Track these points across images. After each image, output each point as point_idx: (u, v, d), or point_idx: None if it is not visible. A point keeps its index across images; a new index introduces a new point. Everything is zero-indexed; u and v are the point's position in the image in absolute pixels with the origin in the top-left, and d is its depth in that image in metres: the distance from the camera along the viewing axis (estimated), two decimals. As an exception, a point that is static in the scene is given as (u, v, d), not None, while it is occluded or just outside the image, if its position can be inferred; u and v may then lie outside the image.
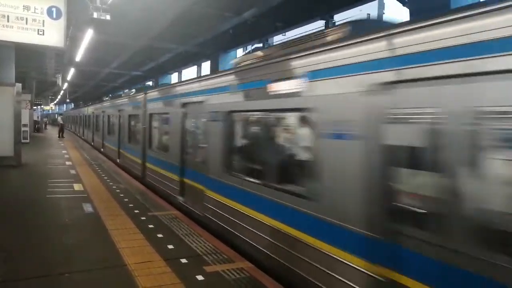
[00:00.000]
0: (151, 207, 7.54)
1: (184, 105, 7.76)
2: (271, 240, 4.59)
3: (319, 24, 11.63)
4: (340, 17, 10.78)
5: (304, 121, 4.37)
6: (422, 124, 2.90)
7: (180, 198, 7.85)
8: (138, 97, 12.10)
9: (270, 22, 11.97)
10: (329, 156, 3.75)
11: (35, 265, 4.45)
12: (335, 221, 3.60)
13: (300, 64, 4.27)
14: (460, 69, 2.59)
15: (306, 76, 4.11)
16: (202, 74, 19.71)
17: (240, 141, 6.13)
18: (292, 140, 4.96)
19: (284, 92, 4.48)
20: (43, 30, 9.84)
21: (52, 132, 37.08)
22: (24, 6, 9.64)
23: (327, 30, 4.68)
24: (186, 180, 7.64)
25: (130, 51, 17.47)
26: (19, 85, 12.54)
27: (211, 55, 16.18)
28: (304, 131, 4.40)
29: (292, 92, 4.31)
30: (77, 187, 9.26)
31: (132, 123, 12.70)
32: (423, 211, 2.95)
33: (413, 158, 3.09)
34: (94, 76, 28.11)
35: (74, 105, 58.44)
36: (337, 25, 4.64)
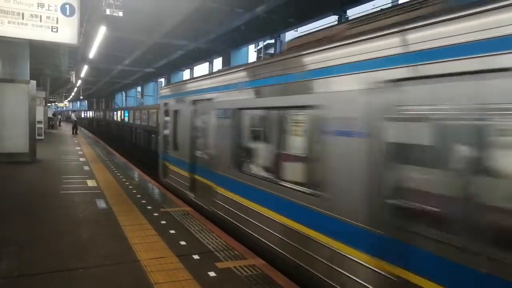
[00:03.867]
0: (163, 203, 7.58)
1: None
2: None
3: (331, 19, 11.52)
4: (353, 12, 10.66)
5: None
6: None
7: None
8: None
9: (282, 17, 11.86)
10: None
11: (49, 259, 4.50)
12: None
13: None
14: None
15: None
16: (213, 71, 19.72)
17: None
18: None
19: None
20: (57, 27, 9.95)
21: (66, 128, 37.56)
22: (38, 3, 9.75)
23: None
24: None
25: (143, 48, 17.55)
26: (33, 82, 12.70)
27: (222, 52, 16.17)
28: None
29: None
30: (90, 183, 9.36)
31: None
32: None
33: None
34: (107, 73, 28.37)
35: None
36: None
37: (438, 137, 2.88)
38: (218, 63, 17.86)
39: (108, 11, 9.14)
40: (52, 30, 9.95)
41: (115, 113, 43.11)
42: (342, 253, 3.57)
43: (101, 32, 12.03)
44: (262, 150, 5.46)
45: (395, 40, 3.16)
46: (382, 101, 3.20)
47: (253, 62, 7.37)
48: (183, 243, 5.23)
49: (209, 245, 5.20)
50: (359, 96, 3.43)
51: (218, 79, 6.68)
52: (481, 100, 2.51)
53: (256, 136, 5.85)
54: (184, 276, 4.15)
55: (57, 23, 9.97)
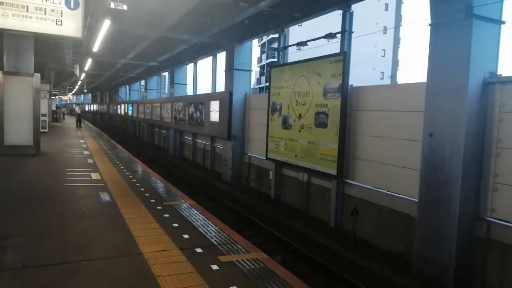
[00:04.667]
0: (167, 197, 7.62)
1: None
2: None
3: (335, 14, 11.45)
4: (357, 7, 10.54)
5: None
6: None
7: None
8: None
9: (286, 12, 11.79)
10: None
11: (54, 251, 4.54)
12: None
13: None
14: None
15: None
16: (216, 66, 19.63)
17: None
18: None
19: None
20: (61, 20, 9.96)
21: (70, 121, 37.68)
22: (42, -4, 9.75)
23: None
24: None
25: (146, 42, 17.51)
26: (38, 75, 12.72)
27: (226, 46, 16.12)
28: None
29: None
30: (94, 176, 9.40)
31: None
32: None
33: None
34: (111, 67, 28.33)
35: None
36: None
37: None
38: (221, 57, 17.79)
39: (112, 5, 9.12)
40: (56, 23, 9.96)
41: (119, 106, 43.23)
42: None
43: (105, 25, 12.00)
44: None
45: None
46: None
47: None
48: (186, 236, 5.26)
49: (212, 238, 5.23)
50: None
51: None
52: None
53: None
54: (187, 269, 4.18)
55: (61, 16, 9.98)
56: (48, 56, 21.23)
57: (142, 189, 8.24)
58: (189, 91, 24.67)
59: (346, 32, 9.83)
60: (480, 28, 6.13)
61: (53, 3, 9.88)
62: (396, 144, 8.12)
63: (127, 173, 10.14)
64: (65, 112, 52.31)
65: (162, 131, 27.44)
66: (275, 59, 27.54)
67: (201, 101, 18.39)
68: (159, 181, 9.32)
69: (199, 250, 4.77)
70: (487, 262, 6.38)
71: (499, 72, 6.35)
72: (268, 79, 14.96)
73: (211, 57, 20.08)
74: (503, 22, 6.36)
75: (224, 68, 16.04)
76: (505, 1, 6.33)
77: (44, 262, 4.22)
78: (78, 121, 30.68)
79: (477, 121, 6.29)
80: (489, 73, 6.30)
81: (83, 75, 32.35)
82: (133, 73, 31.04)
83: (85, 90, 60.22)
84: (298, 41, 12.14)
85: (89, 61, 23.47)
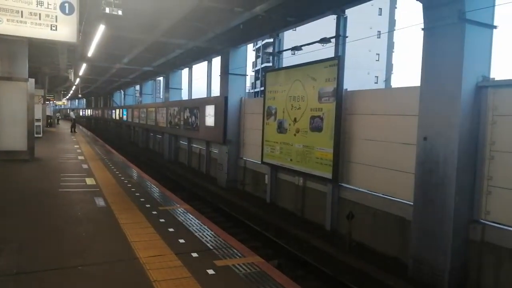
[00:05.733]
0: (162, 202, 7.60)
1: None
2: None
3: (330, 19, 11.53)
4: (351, 12, 10.63)
5: None
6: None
7: None
8: None
9: (281, 16, 11.86)
10: None
11: (48, 257, 4.51)
12: None
13: None
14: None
15: None
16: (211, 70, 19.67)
17: None
18: None
19: None
20: (56, 26, 9.93)
21: (64, 127, 37.51)
22: (37, 1, 9.73)
23: None
24: None
25: (141, 46, 17.52)
26: (32, 80, 12.67)
27: (221, 51, 16.16)
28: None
29: None
30: (89, 181, 9.37)
31: None
32: None
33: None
34: (105, 72, 28.27)
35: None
36: None
37: None
38: (216, 62, 17.82)
39: (107, 10, 9.11)
40: (51, 29, 9.92)
41: (113, 111, 43.13)
42: None
43: (100, 30, 12.00)
44: None
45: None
46: None
47: None
48: (182, 241, 5.25)
49: (208, 243, 5.22)
50: None
51: None
52: None
53: None
54: (183, 273, 4.18)
55: (56, 21, 9.94)
56: (42, 61, 21.16)
57: (137, 194, 8.22)
58: (184, 96, 24.67)
59: (340, 36, 9.90)
60: (472, 32, 6.24)
61: (48, 8, 9.85)
62: (390, 148, 8.16)
63: (122, 178, 10.11)
64: (59, 117, 52.06)
65: (157, 136, 27.40)
66: (270, 64, 27.64)
67: (196, 106, 18.40)
68: (154, 186, 9.30)
69: (195, 254, 4.76)
70: (482, 265, 6.45)
71: (491, 76, 6.47)
72: (263, 84, 15.00)
73: (206, 62, 20.10)
74: (495, 27, 6.53)
75: (219, 73, 16.06)
76: (497, 6, 6.47)
77: (39, 268, 4.20)
78: (73, 126, 30.57)
79: (471, 125, 6.36)
80: (482, 77, 6.37)
81: (78, 80, 32.25)
82: (128, 78, 31.00)
83: (80, 95, 59.95)
84: (292, 46, 12.19)
85: (84, 66, 23.43)
